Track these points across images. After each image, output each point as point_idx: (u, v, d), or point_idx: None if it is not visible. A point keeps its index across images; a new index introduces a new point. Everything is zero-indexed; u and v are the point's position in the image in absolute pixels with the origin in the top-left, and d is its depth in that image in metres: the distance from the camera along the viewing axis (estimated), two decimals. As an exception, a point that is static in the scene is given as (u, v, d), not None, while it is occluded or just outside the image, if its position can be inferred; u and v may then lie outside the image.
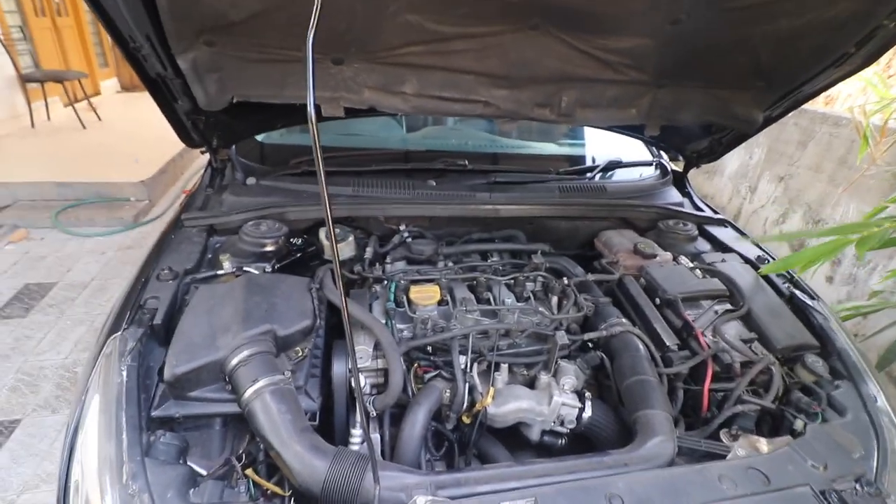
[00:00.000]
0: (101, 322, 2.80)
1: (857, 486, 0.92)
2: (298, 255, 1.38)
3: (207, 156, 1.72)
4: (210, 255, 1.38)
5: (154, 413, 0.94)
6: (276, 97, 1.27)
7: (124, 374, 0.93)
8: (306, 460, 0.84)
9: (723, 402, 1.16)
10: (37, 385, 2.32)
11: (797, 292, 1.44)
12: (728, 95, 1.45)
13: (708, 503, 0.84)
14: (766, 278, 1.47)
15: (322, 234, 1.48)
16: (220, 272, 1.28)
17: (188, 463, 0.94)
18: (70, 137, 5.14)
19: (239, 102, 1.29)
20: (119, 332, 1.01)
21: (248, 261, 1.33)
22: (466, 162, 1.75)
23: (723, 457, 0.99)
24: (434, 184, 1.66)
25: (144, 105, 6.56)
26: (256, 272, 1.29)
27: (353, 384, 1.04)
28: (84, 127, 5.35)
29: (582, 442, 1.22)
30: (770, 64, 1.29)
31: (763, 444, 1.02)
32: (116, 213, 3.88)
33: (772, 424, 1.19)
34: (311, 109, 0.54)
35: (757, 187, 2.73)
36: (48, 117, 5.55)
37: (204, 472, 0.95)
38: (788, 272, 1.54)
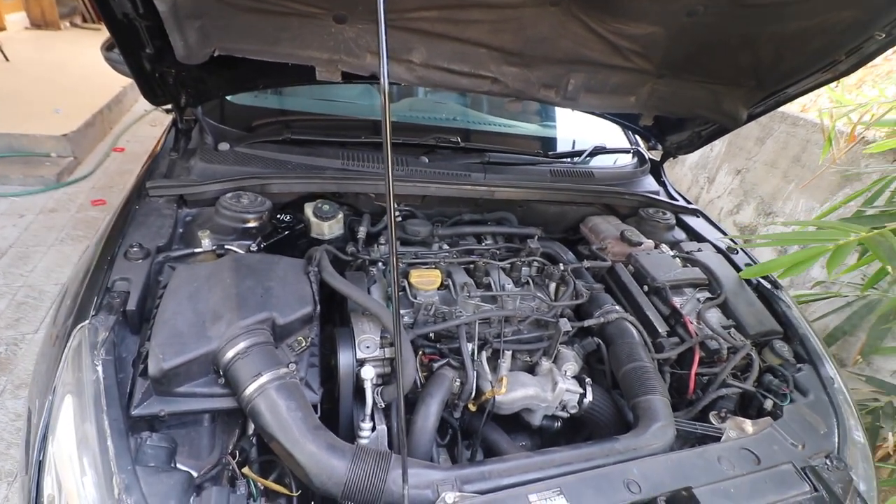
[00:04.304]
0: (24, 296, 2.48)
1: (828, 462, 1.03)
2: (286, 232, 1.26)
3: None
4: (182, 230, 1.23)
5: (135, 412, 0.83)
6: (266, 54, 1.12)
7: (100, 370, 0.81)
8: (323, 461, 0.78)
9: (707, 386, 1.23)
10: (-51, 368, 2.01)
11: (762, 281, 1.55)
12: (721, 91, 1.49)
13: (712, 483, 0.89)
14: (735, 267, 1.57)
15: (308, 210, 1.36)
16: (197, 250, 1.14)
17: (178, 466, 0.85)
18: (-31, 79, 4.37)
19: (217, 56, 1.13)
20: (87, 321, 0.87)
21: (229, 238, 1.21)
22: (459, 139, 1.68)
23: (716, 438, 1.06)
24: (427, 161, 1.58)
25: (61, 45, 5.75)
26: (240, 251, 1.17)
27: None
28: (-14, 66, 4.56)
29: (574, 424, 1.26)
30: (767, 64, 1.33)
31: (748, 425, 1.10)
32: (35, 171, 3.38)
33: (741, 404, 1.29)
34: (384, 83, 0.46)
35: (715, 178, 2.91)
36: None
37: (195, 474, 0.86)
38: (753, 261, 1.65)
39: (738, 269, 1.56)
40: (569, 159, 1.88)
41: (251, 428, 0.96)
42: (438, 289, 1.23)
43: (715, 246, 1.67)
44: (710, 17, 1.16)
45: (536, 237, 1.49)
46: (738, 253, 1.65)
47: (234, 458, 0.91)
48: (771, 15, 1.13)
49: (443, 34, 1.15)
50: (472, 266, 1.35)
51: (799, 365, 1.30)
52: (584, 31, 1.19)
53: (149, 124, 4.79)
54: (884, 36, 1.16)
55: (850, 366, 1.96)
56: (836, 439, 1.11)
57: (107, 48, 1.72)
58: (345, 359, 1.00)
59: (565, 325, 1.18)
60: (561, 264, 1.39)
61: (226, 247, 1.16)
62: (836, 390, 1.24)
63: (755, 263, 1.61)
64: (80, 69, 4.94)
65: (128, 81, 4.91)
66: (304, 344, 0.97)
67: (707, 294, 1.45)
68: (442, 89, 1.30)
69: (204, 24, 1.01)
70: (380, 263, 1.30)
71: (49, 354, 0.93)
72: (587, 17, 1.15)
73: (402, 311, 1.17)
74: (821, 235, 1.23)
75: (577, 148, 1.97)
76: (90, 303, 0.91)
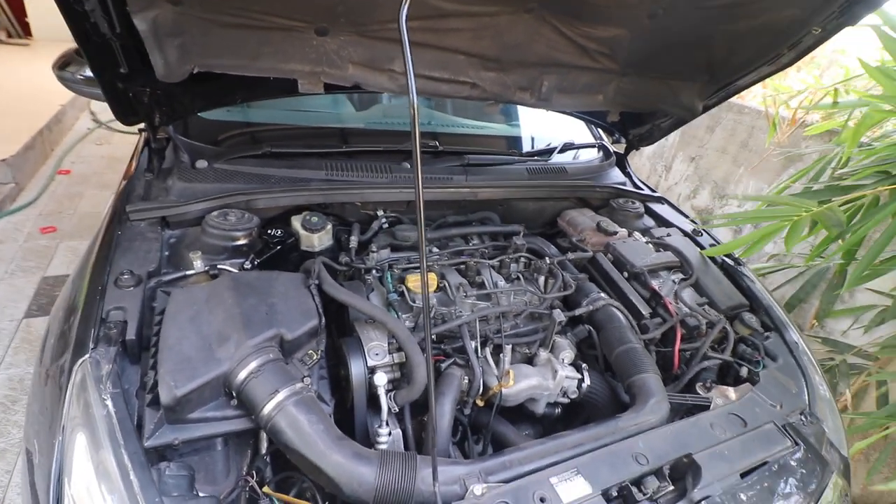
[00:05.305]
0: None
1: (802, 418, 1.14)
2: (279, 247, 1.25)
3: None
4: (168, 253, 1.19)
5: (148, 443, 0.82)
6: (247, 69, 1.11)
7: (109, 404, 0.78)
8: (352, 469, 0.80)
9: (690, 360, 1.33)
10: None
11: (726, 259, 1.68)
12: (678, 86, 1.60)
13: (708, 448, 0.97)
14: (701, 248, 1.70)
15: (296, 223, 1.35)
16: (189, 272, 1.12)
17: (198, 493, 0.84)
18: None
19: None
20: (87, 355, 0.84)
21: (220, 257, 1.18)
22: (437, 143, 1.71)
23: (705, 407, 1.15)
24: (409, 166, 1.60)
25: (-13, 62, 5.26)
26: (234, 270, 1.15)
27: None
28: None
29: (571, 409, 1.33)
30: (719, 59, 1.44)
31: (731, 392, 1.20)
32: (-28, 200, 3.12)
33: (719, 374, 1.40)
34: (413, 99, 0.49)
35: (671, 166, 3.10)
36: None
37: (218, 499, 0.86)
38: (715, 241, 1.79)
39: (703, 249, 1.69)
40: (542, 156, 1.95)
41: (264, 447, 0.96)
42: (435, 291, 1.26)
43: (681, 230, 1.79)
44: (669, 18, 1.25)
45: (521, 234, 1.55)
46: (702, 235, 1.78)
47: (251, 478, 0.91)
48: (723, 15, 1.23)
49: (423, 43, 1.18)
50: (463, 266, 1.38)
51: (766, 333, 1.42)
52: (555, 35, 1.25)
53: (94, 143, 4.51)
54: (820, 30, 1.30)
55: (807, 329, 2.15)
56: (807, 397, 1.23)
57: (59, 67, 1.63)
58: (356, 368, 1.01)
59: (559, 315, 1.23)
60: (547, 258, 1.45)
61: (219, 267, 1.14)
62: (801, 353, 1.37)
63: (718, 243, 1.74)
64: (12, 88, 4.59)
65: (67, 99, 4.61)
66: (315, 357, 0.97)
67: (680, 275, 1.55)
68: (423, 96, 1.32)
69: (184, 42, 0.99)
70: (374, 271, 1.31)
71: (43, 393, 0.89)
72: (558, 21, 1.22)
73: (403, 316, 1.19)
74: (775, 213, 1.36)
75: (542, 144, 2.05)
76: (87, 336, 0.88)
